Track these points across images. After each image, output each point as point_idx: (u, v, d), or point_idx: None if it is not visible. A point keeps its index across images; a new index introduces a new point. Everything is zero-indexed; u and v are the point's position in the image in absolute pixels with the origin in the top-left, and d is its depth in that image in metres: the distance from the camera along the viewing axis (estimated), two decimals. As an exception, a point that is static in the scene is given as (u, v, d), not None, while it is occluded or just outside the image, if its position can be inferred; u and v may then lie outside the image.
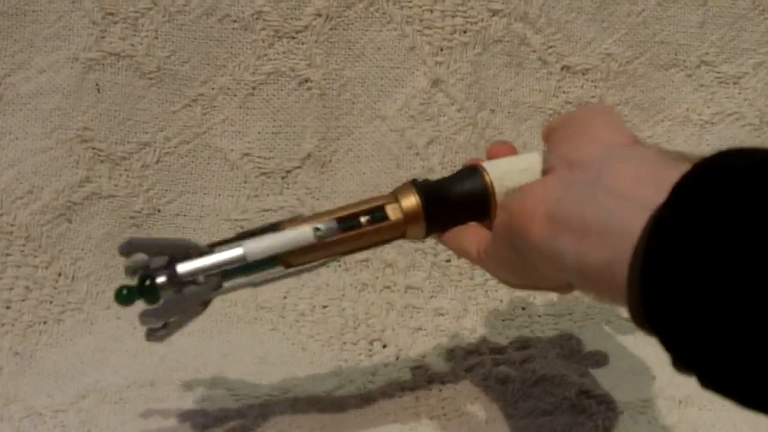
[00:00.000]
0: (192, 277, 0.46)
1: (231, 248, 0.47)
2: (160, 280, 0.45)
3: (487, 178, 0.49)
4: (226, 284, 0.47)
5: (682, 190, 0.31)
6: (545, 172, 0.44)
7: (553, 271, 0.40)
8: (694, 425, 0.56)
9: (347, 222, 0.48)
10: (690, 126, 0.74)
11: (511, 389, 0.58)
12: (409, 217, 0.49)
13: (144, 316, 0.46)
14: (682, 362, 0.31)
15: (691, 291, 0.29)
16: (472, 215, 0.50)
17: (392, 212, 0.49)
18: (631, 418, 0.56)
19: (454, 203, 0.49)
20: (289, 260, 0.48)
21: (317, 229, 0.48)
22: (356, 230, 0.49)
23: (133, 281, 0.45)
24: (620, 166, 0.37)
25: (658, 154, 0.37)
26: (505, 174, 0.49)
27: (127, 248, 0.45)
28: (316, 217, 0.49)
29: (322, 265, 0.50)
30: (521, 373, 0.60)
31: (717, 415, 0.55)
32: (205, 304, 0.49)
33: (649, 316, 0.32)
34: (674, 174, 0.32)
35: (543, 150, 0.48)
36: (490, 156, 0.51)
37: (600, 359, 0.62)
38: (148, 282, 0.44)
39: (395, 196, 0.49)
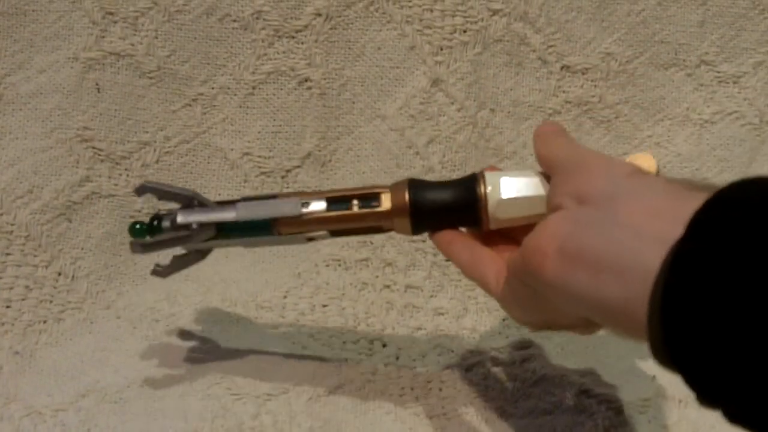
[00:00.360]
0: (188, 223, 0.53)
1: (228, 208, 0.53)
2: (165, 224, 0.53)
3: (481, 188, 0.49)
4: (221, 239, 0.54)
5: (699, 224, 0.31)
6: (553, 209, 0.43)
7: (569, 307, 0.39)
8: (694, 425, 0.56)
9: (338, 203, 0.52)
10: (690, 125, 0.74)
11: (511, 389, 0.58)
12: (396, 210, 0.51)
13: (134, 246, 0.54)
14: (708, 399, 0.31)
15: (715, 328, 0.29)
16: (460, 220, 0.51)
17: (383, 200, 0.51)
18: (631, 417, 0.56)
19: (442, 205, 0.50)
20: (279, 228, 0.52)
21: (305, 203, 0.51)
22: (344, 211, 0.51)
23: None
24: (630, 199, 0.37)
25: (667, 185, 0.37)
26: (502, 187, 0.49)
27: (141, 191, 0.54)
28: (312, 194, 0.52)
29: (313, 240, 0.53)
30: (521, 372, 0.60)
31: (717, 415, 0.55)
32: (204, 253, 0.56)
33: (672, 355, 0.31)
34: (688, 206, 0.32)
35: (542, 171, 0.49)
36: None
37: (600, 359, 0.62)
38: (156, 222, 0.54)
39: (390, 188, 0.51)
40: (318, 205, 0.52)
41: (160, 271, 0.56)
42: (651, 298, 0.32)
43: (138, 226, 0.54)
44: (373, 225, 0.52)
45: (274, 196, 0.53)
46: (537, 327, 0.47)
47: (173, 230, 0.53)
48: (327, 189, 0.53)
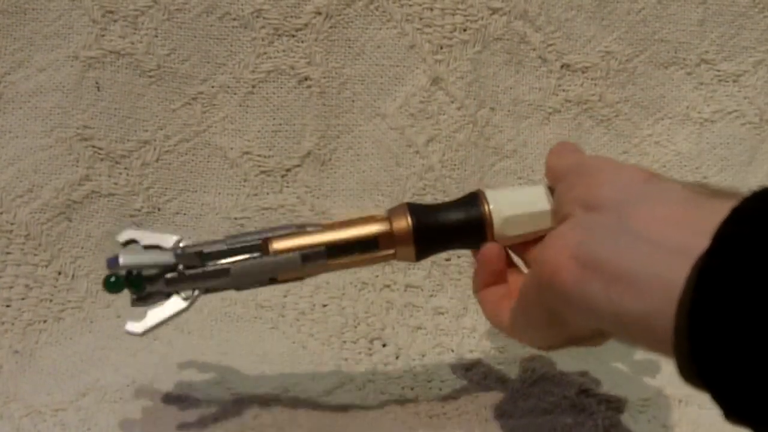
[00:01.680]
0: (179, 288, 0.48)
1: (220, 266, 0.49)
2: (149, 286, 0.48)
3: (485, 207, 0.48)
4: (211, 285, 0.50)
5: (725, 239, 0.30)
6: (561, 220, 0.42)
7: (585, 320, 0.38)
8: (694, 424, 0.56)
9: (337, 250, 0.49)
10: (690, 124, 0.74)
11: (511, 388, 0.58)
12: (398, 239, 0.49)
13: (130, 328, 0.49)
14: (736, 416, 0.30)
15: (745, 347, 0.28)
16: (465, 243, 0.50)
17: (383, 241, 0.49)
18: (631, 417, 0.56)
19: (447, 228, 0.49)
20: (275, 277, 0.50)
21: (306, 257, 0.48)
22: (345, 258, 0.49)
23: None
24: (646, 206, 0.36)
25: (684, 191, 0.36)
26: (505, 204, 0.48)
27: (114, 266, 0.47)
28: (306, 234, 0.49)
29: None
30: (521, 372, 0.60)
31: (717, 414, 0.55)
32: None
33: (699, 372, 0.31)
34: (708, 215, 0.31)
35: (546, 183, 0.49)
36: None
37: (600, 358, 0.62)
38: (135, 273, 0.48)
39: (389, 217, 0.49)
40: (319, 259, 0.49)
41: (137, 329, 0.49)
42: (677, 315, 0.31)
43: (113, 279, 0.48)
44: (377, 263, 0.51)
45: (266, 243, 0.49)
46: (552, 348, 0.46)
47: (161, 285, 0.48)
48: (320, 227, 0.49)
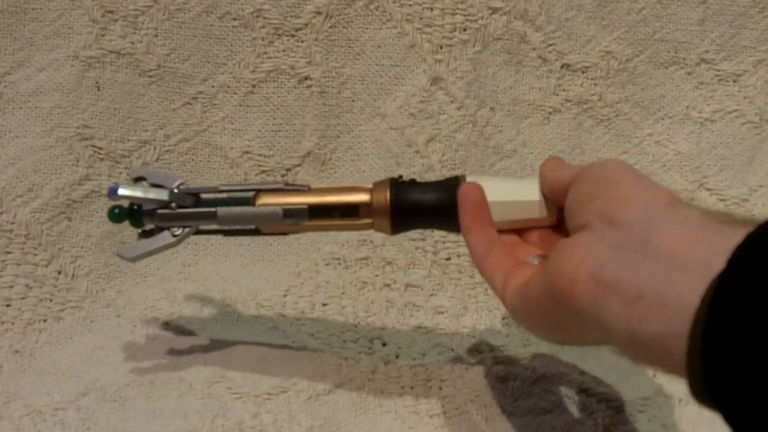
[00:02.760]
0: (169, 224, 0.53)
1: (209, 214, 0.53)
2: (146, 221, 0.53)
3: None
4: (202, 227, 0.54)
5: (740, 263, 0.30)
6: (577, 228, 0.41)
7: (593, 337, 0.38)
8: (694, 423, 0.56)
9: (319, 211, 0.52)
10: (690, 124, 0.74)
11: (511, 387, 0.58)
12: (377, 211, 0.51)
13: (122, 252, 0.54)
14: None
15: (757, 372, 0.28)
16: (441, 223, 0.52)
17: (363, 210, 0.51)
18: (631, 416, 0.56)
19: (424, 207, 0.51)
20: (260, 227, 0.53)
21: (288, 213, 0.52)
22: (325, 221, 0.52)
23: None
24: (667, 228, 0.35)
25: (704, 217, 0.36)
26: (487, 190, 0.49)
27: (113, 195, 0.52)
28: (292, 193, 0.52)
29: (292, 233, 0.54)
30: (521, 371, 0.60)
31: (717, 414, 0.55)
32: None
33: (712, 395, 0.30)
34: (725, 239, 0.31)
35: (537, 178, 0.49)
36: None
37: (600, 358, 0.62)
38: (136, 208, 0.53)
39: (372, 189, 0.52)
40: (299, 214, 0.52)
41: (125, 255, 0.54)
42: (690, 336, 0.31)
43: (117, 210, 0.53)
44: (355, 229, 0.53)
45: (256, 190, 0.53)
46: (546, 340, 0.46)
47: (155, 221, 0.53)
48: (305, 189, 0.53)
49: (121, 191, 0.52)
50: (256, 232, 0.54)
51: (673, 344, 0.32)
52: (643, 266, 0.35)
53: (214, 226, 0.54)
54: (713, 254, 0.31)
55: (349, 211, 0.52)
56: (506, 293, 0.45)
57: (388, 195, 0.51)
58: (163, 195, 0.52)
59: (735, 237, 0.31)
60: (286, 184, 0.53)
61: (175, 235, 0.53)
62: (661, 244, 0.35)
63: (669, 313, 0.32)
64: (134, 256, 0.54)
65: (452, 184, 0.50)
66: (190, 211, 0.53)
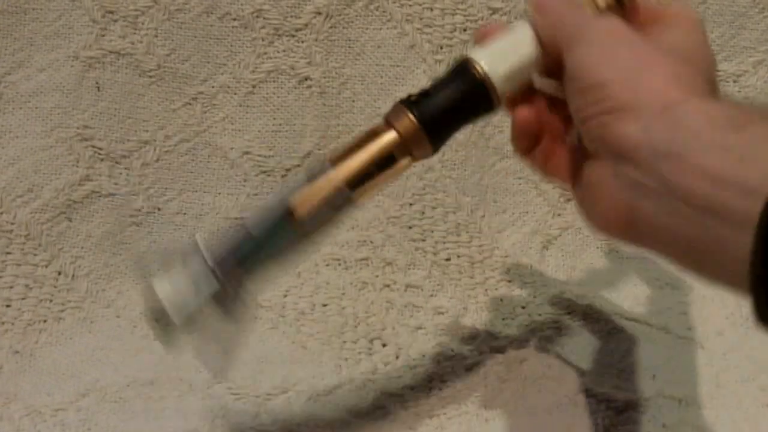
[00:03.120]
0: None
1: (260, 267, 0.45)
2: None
3: (479, 71, 0.45)
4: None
5: None
6: (592, 148, 0.38)
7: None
8: (694, 424, 0.56)
9: (358, 181, 0.45)
10: (690, 124, 0.74)
11: (511, 388, 0.58)
12: (410, 140, 0.45)
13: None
14: None
15: None
16: (475, 114, 0.46)
17: (397, 149, 0.45)
18: (631, 416, 0.56)
19: (452, 109, 0.45)
20: (295, 219, 0.45)
21: (332, 205, 0.44)
22: (367, 184, 0.45)
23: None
24: (676, 163, 0.32)
25: (710, 125, 0.32)
26: (497, 60, 0.45)
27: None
28: (319, 179, 0.45)
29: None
30: (521, 371, 0.60)
31: (717, 414, 0.55)
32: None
33: None
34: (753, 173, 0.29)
35: (530, 20, 0.44)
36: (478, 40, 0.46)
37: (600, 358, 0.62)
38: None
39: (390, 123, 0.46)
40: (343, 197, 0.44)
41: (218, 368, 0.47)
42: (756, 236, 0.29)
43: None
44: (394, 172, 0.46)
45: (287, 210, 0.45)
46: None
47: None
48: (334, 163, 0.45)
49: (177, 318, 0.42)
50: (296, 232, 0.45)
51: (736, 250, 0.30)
52: (672, 213, 0.32)
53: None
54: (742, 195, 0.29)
55: (385, 161, 0.45)
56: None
57: (411, 117, 0.45)
58: (212, 285, 0.43)
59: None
60: (307, 174, 0.45)
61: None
62: (684, 182, 0.32)
63: (730, 220, 0.30)
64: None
65: (463, 68, 0.45)
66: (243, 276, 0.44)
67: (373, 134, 0.46)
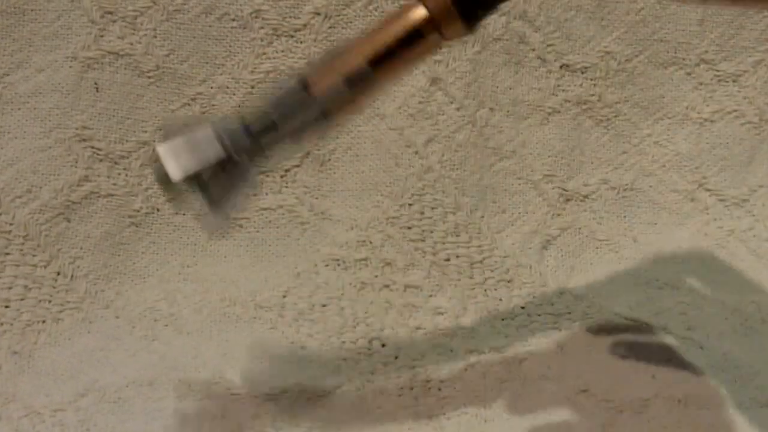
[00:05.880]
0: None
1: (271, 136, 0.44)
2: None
3: None
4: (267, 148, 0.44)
5: None
6: None
7: None
8: (693, 425, 0.56)
9: (381, 59, 0.42)
10: (689, 124, 0.74)
11: (510, 388, 0.58)
12: (440, 16, 0.42)
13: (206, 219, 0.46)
14: None
15: None
16: None
17: (425, 26, 0.42)
18: (630, 417, 0.56)
19: None
20: (327, 114, 0.43)
21: (350, 82, 0.42)
22: (389, 61, 0.42)
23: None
24: None
25: None
26: None
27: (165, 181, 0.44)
28: (339, 58, 0.43)
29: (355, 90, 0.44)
30: (521, 371, 0.60)
31: (717, 414, 0.55)
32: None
33: None
34: None
35: None
36: None
37: (599, 359, 0.62)
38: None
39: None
40: (363, 75, 0.42)
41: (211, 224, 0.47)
42: None
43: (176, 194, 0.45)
44: (422, 51, 0.43)
45: (305, 86, 0.43)
46: None
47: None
48: (357, 41, 0.42)
49: (176, 176, 0.43)
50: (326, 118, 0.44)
51: None
52: None
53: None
54: None
55: (410, 37, 0.42)
56: None
57: None
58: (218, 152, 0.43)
59: None
60: (330, 52, 0.44)
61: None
62: None
63: None
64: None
65: None
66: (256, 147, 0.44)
67: (401, 11, 0.42)
